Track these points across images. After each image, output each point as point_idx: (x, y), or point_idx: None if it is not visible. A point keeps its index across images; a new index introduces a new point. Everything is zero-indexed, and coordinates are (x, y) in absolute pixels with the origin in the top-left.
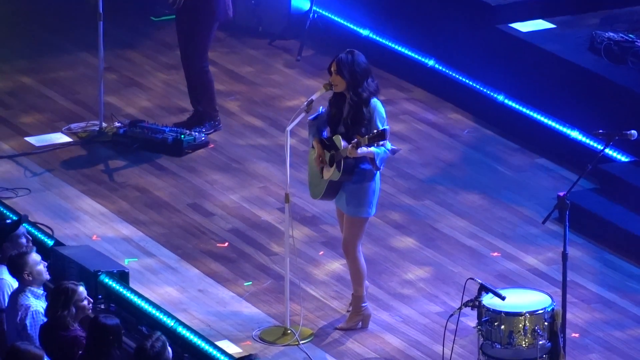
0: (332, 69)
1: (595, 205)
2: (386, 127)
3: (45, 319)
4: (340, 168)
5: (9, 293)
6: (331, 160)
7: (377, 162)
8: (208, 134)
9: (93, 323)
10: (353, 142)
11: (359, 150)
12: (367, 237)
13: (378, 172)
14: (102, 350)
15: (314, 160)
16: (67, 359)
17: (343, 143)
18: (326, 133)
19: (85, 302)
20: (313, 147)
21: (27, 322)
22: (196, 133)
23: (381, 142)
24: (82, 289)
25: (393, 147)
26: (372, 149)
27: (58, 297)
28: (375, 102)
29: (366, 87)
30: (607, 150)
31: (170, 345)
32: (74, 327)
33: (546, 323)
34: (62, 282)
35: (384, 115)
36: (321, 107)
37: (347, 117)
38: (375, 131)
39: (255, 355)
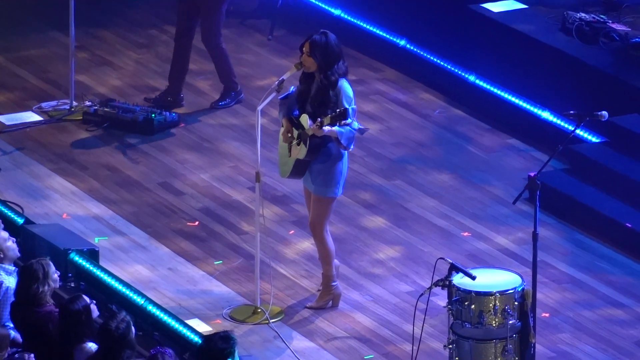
0: (304, 49)
1: (566, 185)
2: (353, 106)
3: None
4: (306, 147)
5: None
6: (298, 139)
7: (342, 141)
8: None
9: (63, 309)
10: (317, 121)
11: (324, 129)
12: (338, 217)
13: (346, 152)
14: (76, 332)
15: (282, 135)
16: (41, 334)
17: (309, 122)
18: (297, 112)
19: (56, 275)
20: (283, 125)
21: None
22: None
23: (344, 122)
24: (51, 263)
25: (360, 126)
26: (336, 128)
27: (34, 275)
28: (342, 83)
29: (336, 70)
30: (578, 131)
31: (134, 325)
32: (50, 302)
33: (516, 303)
34: (31, 262)
35: (351, 96)
36: (292, 87)
37: (314, 97)
38: (337, 110)
39: (231, 331)
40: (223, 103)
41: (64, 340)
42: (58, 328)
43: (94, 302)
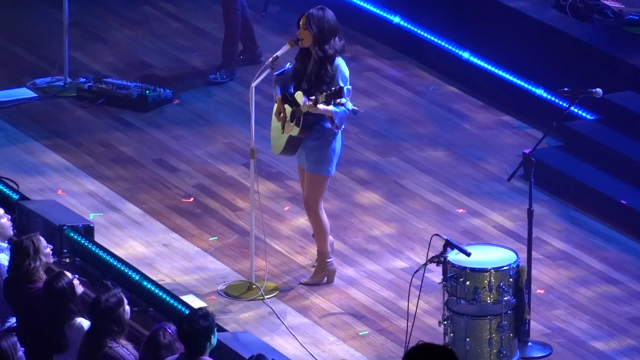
0: (300, 22)
1: (561, 162)
2: (348, 86)
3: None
4: (299, 124)
5: None
6: (292, 116)
7: (336, 120)
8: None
9: (47, 288)
10: (311, 98)
11: (318, 107)
12: (332, 193)
13: (339, 131)
14: (64, 309)
15: (274, 115)
16: (34, 311)
17: (303, 99)
18: (292, 89)
19: (48, 249)
20: (277, 102)
21: None
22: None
23: (339, 100)
24: (41, 237)
25: (354, 107)
26: (331, 107)
27: (25, 251)
28: (339, 62)
29: (332, 45)
30: (572, 108)
31: (130, 301)
32: (43, 278)
33: (511, 279)
34: (21, 238)
35: (347, 75)
36: (288, 64)
37: (310, 73)
38: (333, 88)
39: (206, 308)
40: (213, 77)
41: (52, 318)
42: (45, 307)
43: (76, 276)
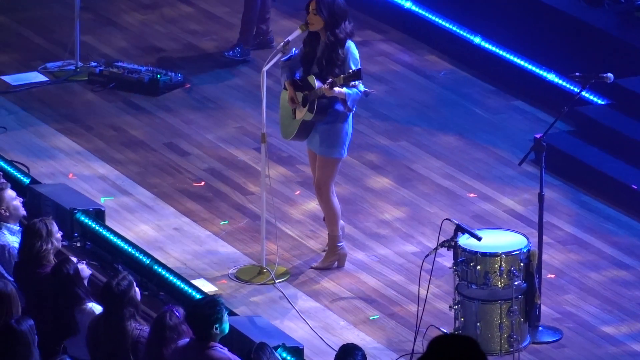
0: (310, 7)
1: (572, 147)
2: (360, 68)
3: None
4: (313, 108)
5: None
6: (304, 101)
7: (349, 103)
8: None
9: (55, 274)
10: (328, 81)
11: (334, 90)
12: (344, 177)
13: (351, 114)
14: (72, 295)
15: (287, 103)
16: (42, 295)
17: (317, 83)
18: (299, 74)
19: (59, 235)
20: (285, 88)
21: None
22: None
23: (355, 82)
24: (54, 222)
25: (366, 89)
26: (344, 89)
27: (37, 233)
28: (350, 44)
29: (343, 29)
30: (583, 93)
31: (139, 285)
32: (52, 262)
33: (522, 264)
34: (34, 220)
35: (358, 57)
36: (294, 49)
37: (321, 57)
38: (350, 71)
39: (219, 297)
40: (227, 53)
41: (61, 304)
42: (52, 294)
43: (84, 262)
